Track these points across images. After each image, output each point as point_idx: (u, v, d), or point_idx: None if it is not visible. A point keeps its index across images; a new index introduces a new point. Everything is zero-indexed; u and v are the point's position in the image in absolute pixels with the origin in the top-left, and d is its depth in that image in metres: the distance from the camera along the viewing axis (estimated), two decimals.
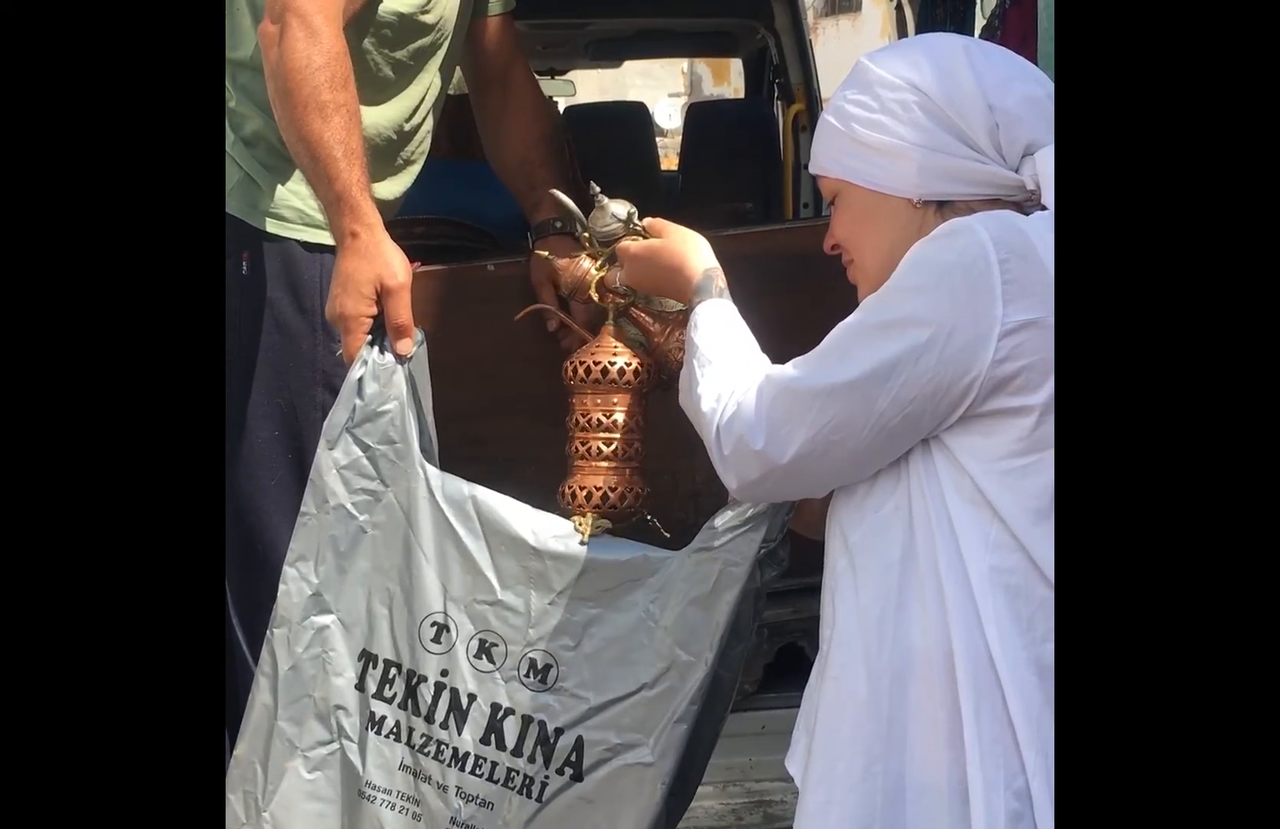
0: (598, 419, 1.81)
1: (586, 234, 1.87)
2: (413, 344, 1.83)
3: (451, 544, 1.78)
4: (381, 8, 2.05)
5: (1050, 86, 1.55)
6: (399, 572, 1.78)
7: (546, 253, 2.00)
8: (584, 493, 1.80)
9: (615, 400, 1.81)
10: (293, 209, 2.06)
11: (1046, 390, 1.41)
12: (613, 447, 1.81)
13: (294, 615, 1.78)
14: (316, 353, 2.04)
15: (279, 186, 2.06)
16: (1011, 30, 3.27)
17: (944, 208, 1.54)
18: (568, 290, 1.91)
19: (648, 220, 1.82)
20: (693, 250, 1.72)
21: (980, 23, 3.81)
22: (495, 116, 2.37)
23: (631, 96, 8.09)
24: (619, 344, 1.83)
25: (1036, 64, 1.99)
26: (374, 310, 1.83)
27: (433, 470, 1.80)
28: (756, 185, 4.58)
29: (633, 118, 5.29)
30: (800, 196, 4.36)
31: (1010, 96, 1.52)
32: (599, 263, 1.86)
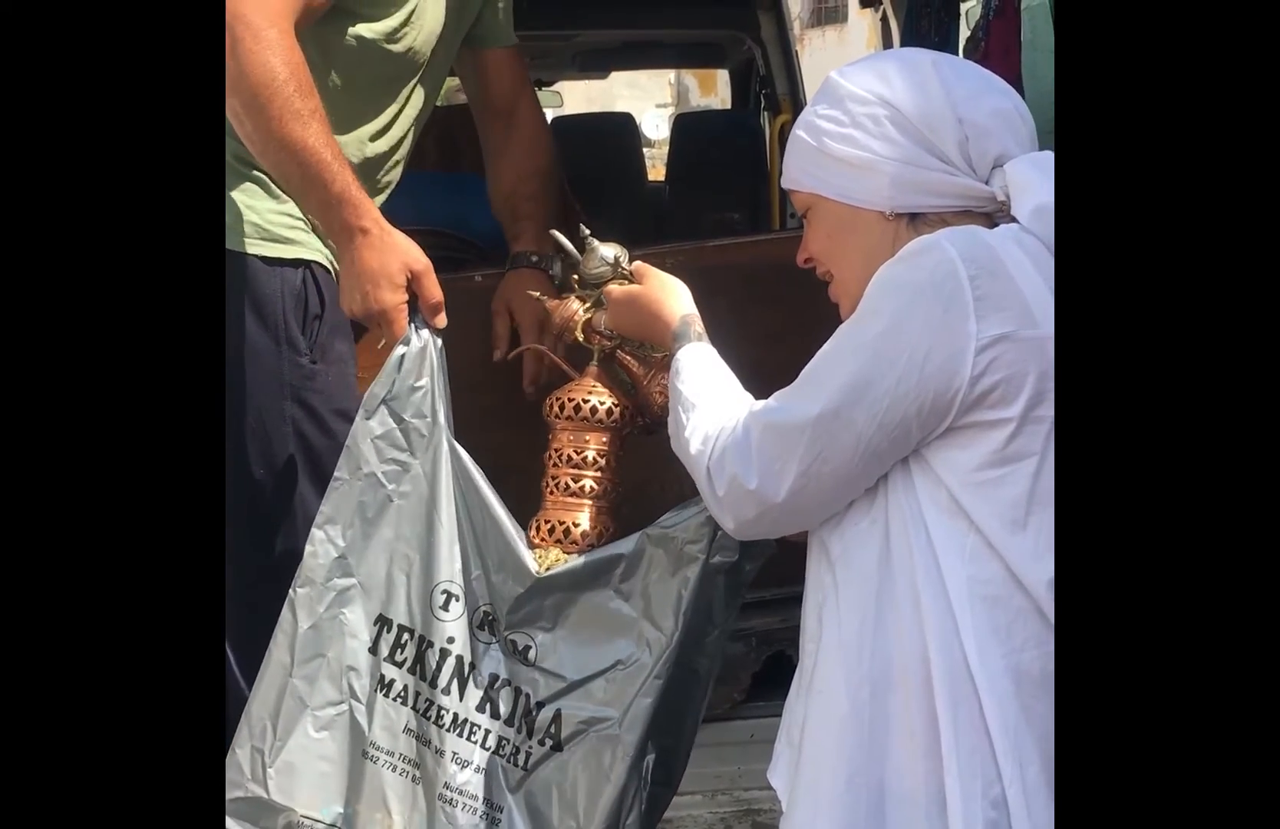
0: (569, 454, 1.84)
1: (576, 276, 1.89)
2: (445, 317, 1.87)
3: (465, 518, 1.82)
4: (348, 33, 2.04)
5: (1018, 99, 1.57)
6: (419, 541, 1.82)
7: (538, 293, 2.03)
8: (548, 526, 1.83)
9: (588, 438, 1.84)
10: (250, 225, 2.02)
11: (1022, 402, 1.42)
12: (581, 483, 1.83)
13: (319, 576, 1.82)
14: (282, 367, 2.02)
15: (236, 203, 2.02)
16: (995, 43, 3.28)
17: (916, 220, 1.55)
18: (555, 331, 1.93)
19: (635, 265, 1.83)
20: (671, 296, 1.74)
21: (964, 35, 3.82)
22: (497, 148, 2.40)
23: (619, 107, 8.11)
24: (598, 384, 1.86)
25: (1020, 74, 2.00)
26: (407, 297, 1.85)
27: (458, 446, 1.84)
28: (743, 196, 4.58)
29: (620, 128, 5.29)
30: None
31: (979, 109, 1.54)
32: (587, 305, 1.88)
